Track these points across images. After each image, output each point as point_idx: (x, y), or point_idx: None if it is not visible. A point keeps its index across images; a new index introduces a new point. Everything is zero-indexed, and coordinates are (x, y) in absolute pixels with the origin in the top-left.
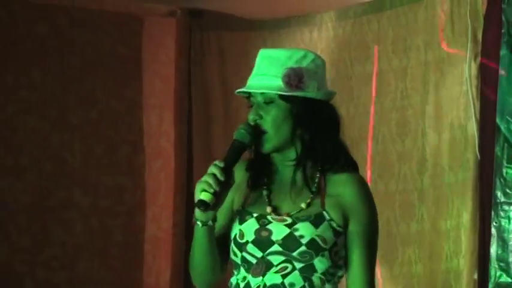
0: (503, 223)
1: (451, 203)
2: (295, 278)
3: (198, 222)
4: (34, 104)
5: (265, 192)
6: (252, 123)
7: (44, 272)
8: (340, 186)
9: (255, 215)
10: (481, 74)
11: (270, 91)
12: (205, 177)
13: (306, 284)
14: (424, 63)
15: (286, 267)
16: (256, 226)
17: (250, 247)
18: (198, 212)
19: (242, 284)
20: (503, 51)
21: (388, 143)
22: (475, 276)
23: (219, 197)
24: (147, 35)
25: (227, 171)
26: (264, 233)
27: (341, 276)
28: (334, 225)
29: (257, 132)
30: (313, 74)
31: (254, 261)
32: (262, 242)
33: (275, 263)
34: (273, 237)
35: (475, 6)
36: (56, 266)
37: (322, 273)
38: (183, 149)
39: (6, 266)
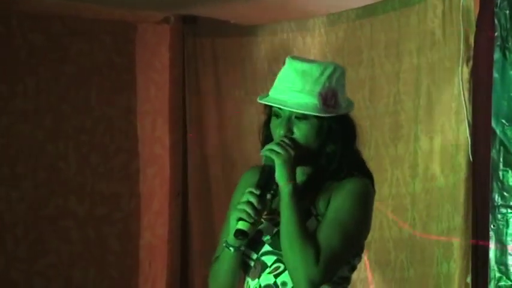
0: (501, 226)
1: (441, 207)
2: (287, 276)
3: (231, 248)
4: (29, 113)
5: (268, 196)
6: (278, 141)
7: (40, 281)
8: (341, 184)
9: None
10: (473, 78)
11: (310, 112)
12: (243, 206)
13: None
14: (416, 68)
15: (279, 267)
16: None
17: (246, 249)
18: (233, 240)
19: None
20: (496, 55)
21: (381, 148)
22: (468, 280)
23: (256, 224)
24: (140, 42)
25: (262, 198)
26: (256, 234)
27: (344, 278)
28: (321, 219)
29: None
30: (342, 88)
31: (252, 263)
32: (255, 243)
33: (269, 264)
34: (263, 238)
35: (468, 10)
36: (53, 275)
37: None
38: (178, 155)
39: (3, 275)
